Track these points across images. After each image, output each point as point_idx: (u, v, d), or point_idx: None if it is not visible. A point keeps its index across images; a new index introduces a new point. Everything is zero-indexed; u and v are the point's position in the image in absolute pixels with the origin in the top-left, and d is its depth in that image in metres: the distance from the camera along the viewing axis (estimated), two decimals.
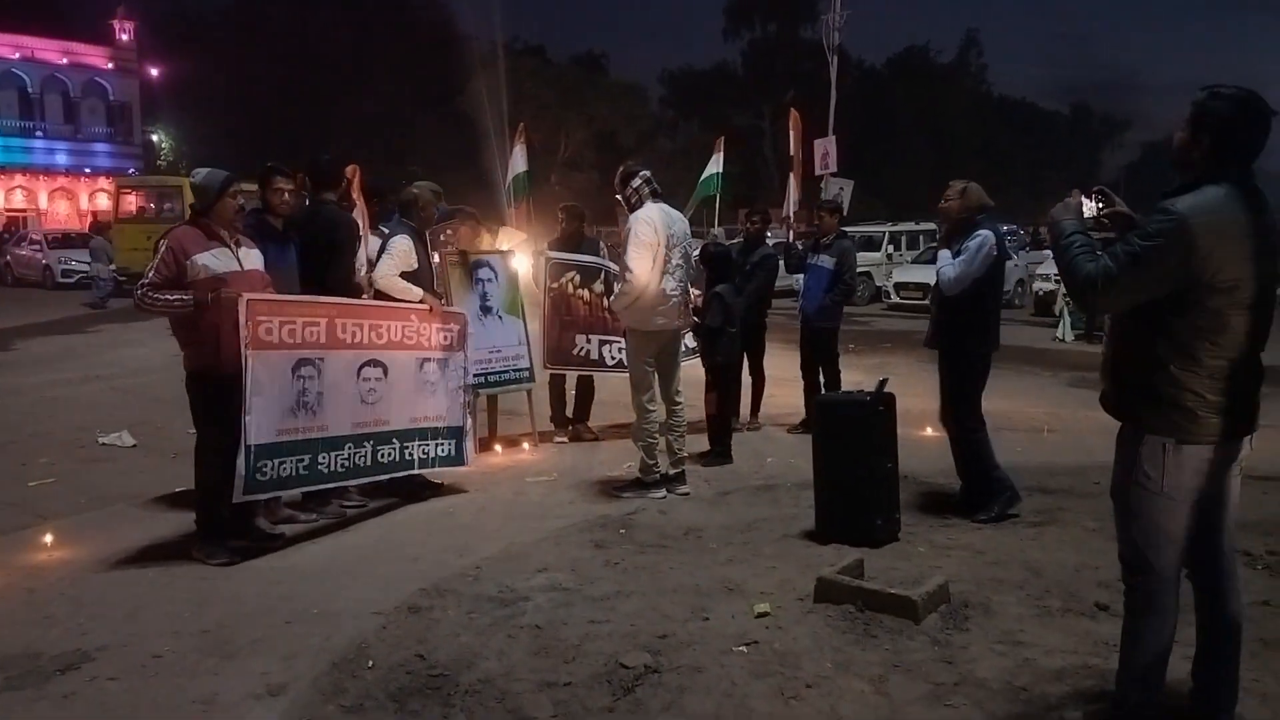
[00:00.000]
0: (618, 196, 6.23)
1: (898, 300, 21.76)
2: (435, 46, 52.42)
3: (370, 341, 5.65)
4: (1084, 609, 4.24)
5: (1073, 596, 4.38)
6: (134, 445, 7.76)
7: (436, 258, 7.19)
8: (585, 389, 8.22)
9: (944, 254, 5.78)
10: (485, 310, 7.59)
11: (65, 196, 45.41)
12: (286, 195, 5.57)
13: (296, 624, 4.21)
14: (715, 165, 10.36)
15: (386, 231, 6.37)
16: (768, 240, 8.94)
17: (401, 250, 6.04)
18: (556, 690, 3.55)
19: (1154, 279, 2.78)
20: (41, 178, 44.54)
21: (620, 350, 7.81)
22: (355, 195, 6.33)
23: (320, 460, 5.37)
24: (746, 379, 8.23)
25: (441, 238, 8.81)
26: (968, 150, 57.78)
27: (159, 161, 47.95)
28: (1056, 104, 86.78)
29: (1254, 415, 2.96)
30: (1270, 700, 3.39)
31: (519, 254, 8.16)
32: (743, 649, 3.85)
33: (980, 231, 5.57)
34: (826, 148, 15.08)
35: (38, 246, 26.97)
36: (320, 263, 5.68)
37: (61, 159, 45.17)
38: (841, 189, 14.23)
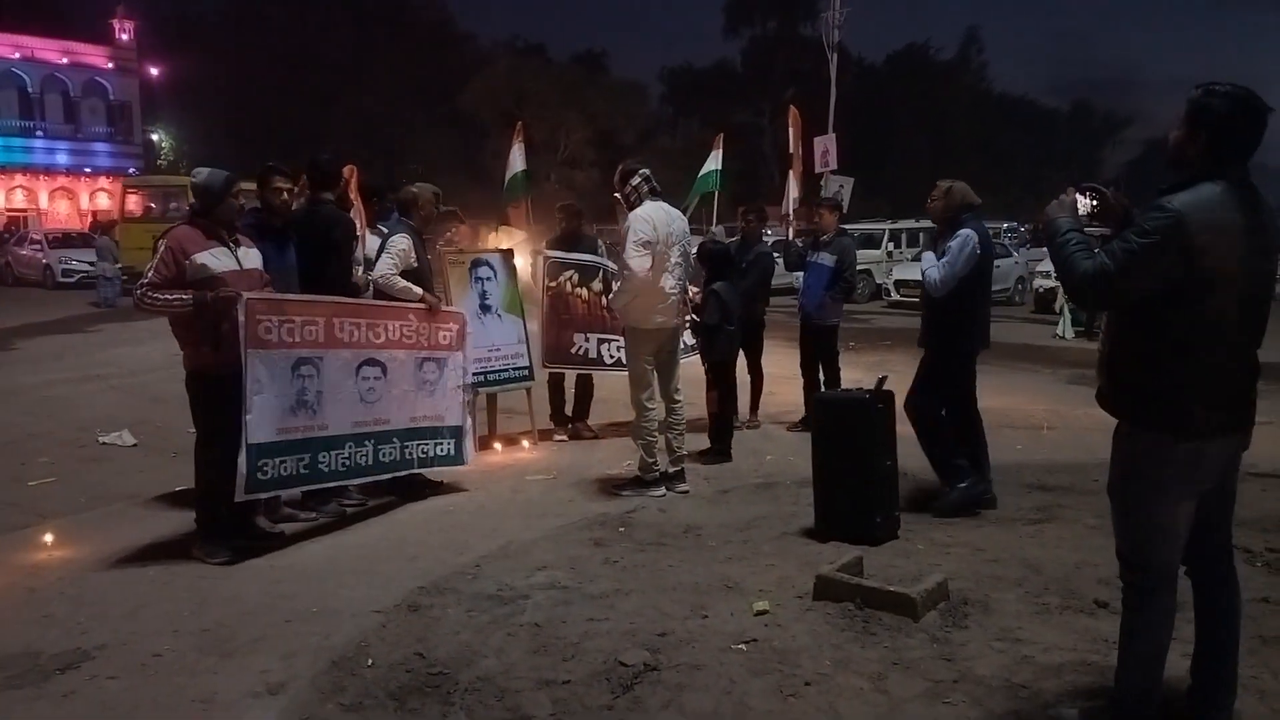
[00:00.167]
0: (617, 195, 6.23)
1: (898, 298, 21.78)
2: (435, 46, 52.46)
3: (368, 341, 5.65)
4: (1083, 606, 4.24)
5: (1072, 594, 4.38)
6: (134, 444, 7.77)
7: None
8: (584, 387, 8.22)
9: (928, 256, 5.83)
10: (484, 309, 7.60)
11: (65, 196, 45.41)
12: (285, 195, 5.57)
13: (296, 622, 4.21)
14: (714, 162, 10.35)
15: (385, 231, 6.37)
16: (766, 237, 8.93)
17: (401, 249, 6.04)
18: (556, 688, 3.55)
19: (1150, 276, 2.78)
20: (42, 177, 44.54)
21: (618, 349, 7.81)
22: (353, 195, 6.34)
23: (321, 459, 5.37)
24: (744, 377, 8.23)
25: (439, 245, 8.79)
26: (968, 148, 57.68)
27: (159, 161, 47.97)
28: (1057, 101, 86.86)
29: (1250, 412, 2.97)
30: (1269, 697, 3.40)
31: (518, 253, 8.17)
32: (742, 647, 3.85)
33: (962, 231, 5.60)
34: (826, 145, 15.09)
35: (38, 246, 26.96)
36: (317, 262, 5.68)
37: (62, 159, 45.17)
38: (841, 186, 14.24)
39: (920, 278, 5.81)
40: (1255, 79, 2.91)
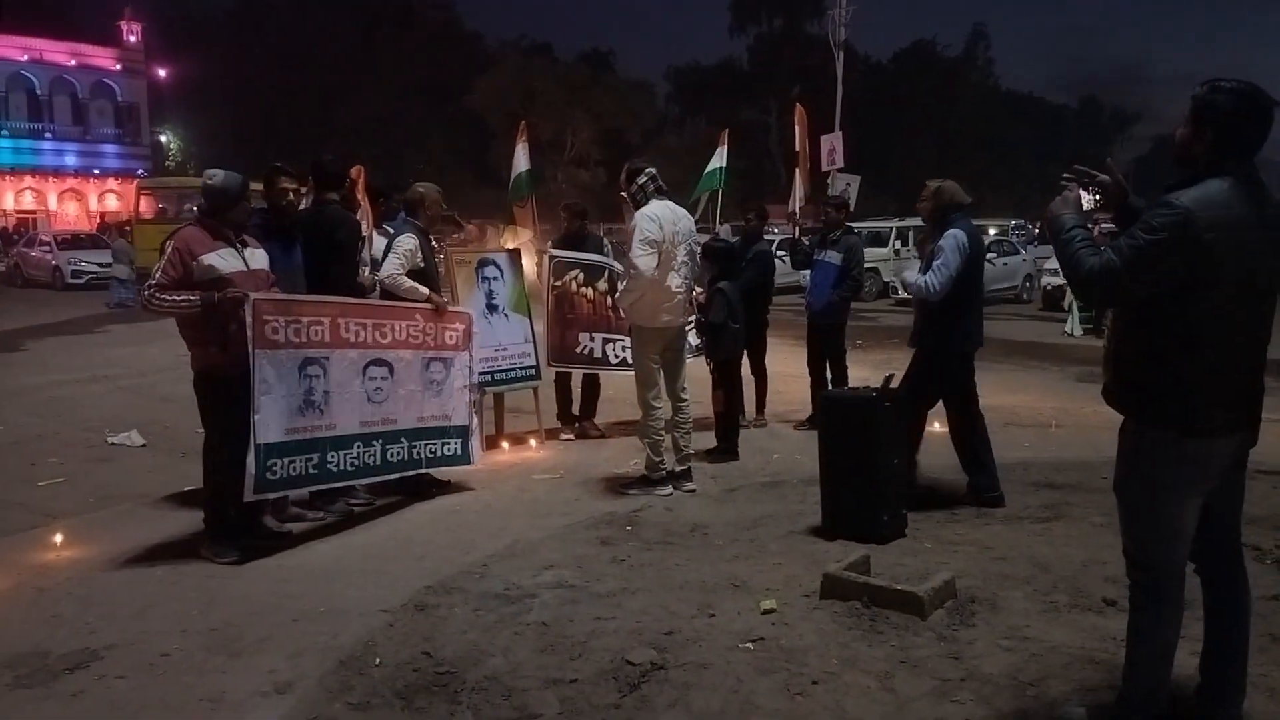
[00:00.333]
0: (623, 193, 6.23)
1: (905, 296, 21.69)
2: (441, 45, 52.52)
3: (374, 341, 5.66)
4: (1091, 604, 4.23)
5: (1079, 592, 4.37)
6: (143, 445, 7.79)
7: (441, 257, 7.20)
8: (591, 386, 8.22)
9: (908, 273, 5.90)
10: (491, 308, 7.60)
11: (74, 198, 45.63)
12: (291, 195, 5.58)
13: (304, 622, 4.22)
14: (719, 159, 10.33)
15: (392, 231, 6.38)
16: (771, 235, 8.92)
17: (407, 249, 6.04)
18: (563, 687, 3.55)
19: (1157, 272, 2.77)
20: (51, 179, 44.78)
21: (623, 349, 7.81)
22: (360, 195, 6.34)
23: (330, 459, 5.38)
24: (748, 377, 8.22)
25: (445, 244, 8.79)
26: (975, 145, 57.58)
27: (167, 162, 48.18)
28: (1065, 98, 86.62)
29: (1258, 408, 2.95)
30: (1278, 695, 3.38)
31: (523, 253, 8.17)
32: (749, 645, 3.85)
33: (949, 232, 5.63)
34: (833, 143, 15.02)
35: (47, 248, 27.09)
36: (322, 262, 5.69)
37: (70, 160, 45.40)
38: (848, 184, 14.18)
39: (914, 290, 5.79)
40: (1263, 75, 2.90)
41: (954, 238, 5.59)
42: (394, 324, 5.80)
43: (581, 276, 7.94)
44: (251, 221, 5.33)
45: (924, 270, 5.77)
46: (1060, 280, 18.45)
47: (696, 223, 6.75)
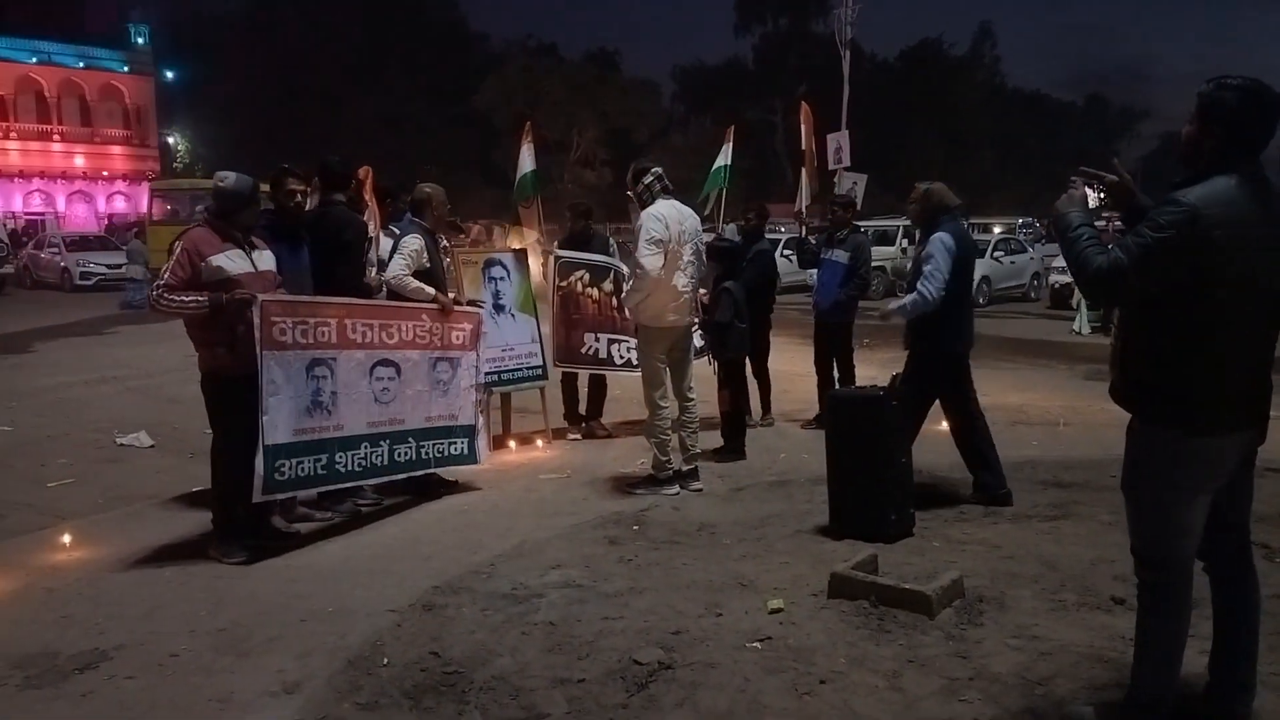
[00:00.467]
0: (630, 193, 6.24)
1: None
2: (448, 46, 52.58)
3: (381, 341, 5.67)
4: (1099, 603, 4.22)
5: (1088, 590, 4.36)
6: (151, 445, 7.81)
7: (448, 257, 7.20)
8: (598, 386, 8.23)
9: (891, 303, 5.92)
10: (498, 308, 7.61)
11: (83, 199, 45.77)
12: (299, 196, 5.59)
13: (312, 622, 4.23)
14: (724, 157, 10.32)
15: (398, 232, 6.38)
16: (777, 234, 8.91)
17: (413, 250, 6.05)
18: (570, 687, 3.55)
19: (1165, 270, 2.76)
20: (59, 181, 44.91)
21: (628, 349, 7.82)
22: (368, 196, 6.35)
23: (338, 460, 5.40)
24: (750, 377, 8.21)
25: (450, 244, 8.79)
26: (982, 143, 57.45)
27: (175, 164, 48.32)
28: (1071, 95, 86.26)
29: (1265, 406, 2.94)
30: None
31: (530, 253, 8.18)
32: (756, 645, 3.85)
33: (934, 237, 5.66)
34: (840, 142, 15.04)
35: (56, 249, 27.17)
36: (328, 263, 5.70)
37: (79, 162, 45.51)
38: (855, 183, 14.18)
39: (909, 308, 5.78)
40: (1270, 72, 2.89)
41: (940, 241, 5.61)
42: (400, 324, 5.81)
43: (587, 277, 7.94)
44: (259, 223, 5.34)
45: (911, 282, 5.79)
46: (1068, 278, 18.40)
47: (703, 221, 6.75)
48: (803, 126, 10.93)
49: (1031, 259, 23.66)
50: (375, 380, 5.63)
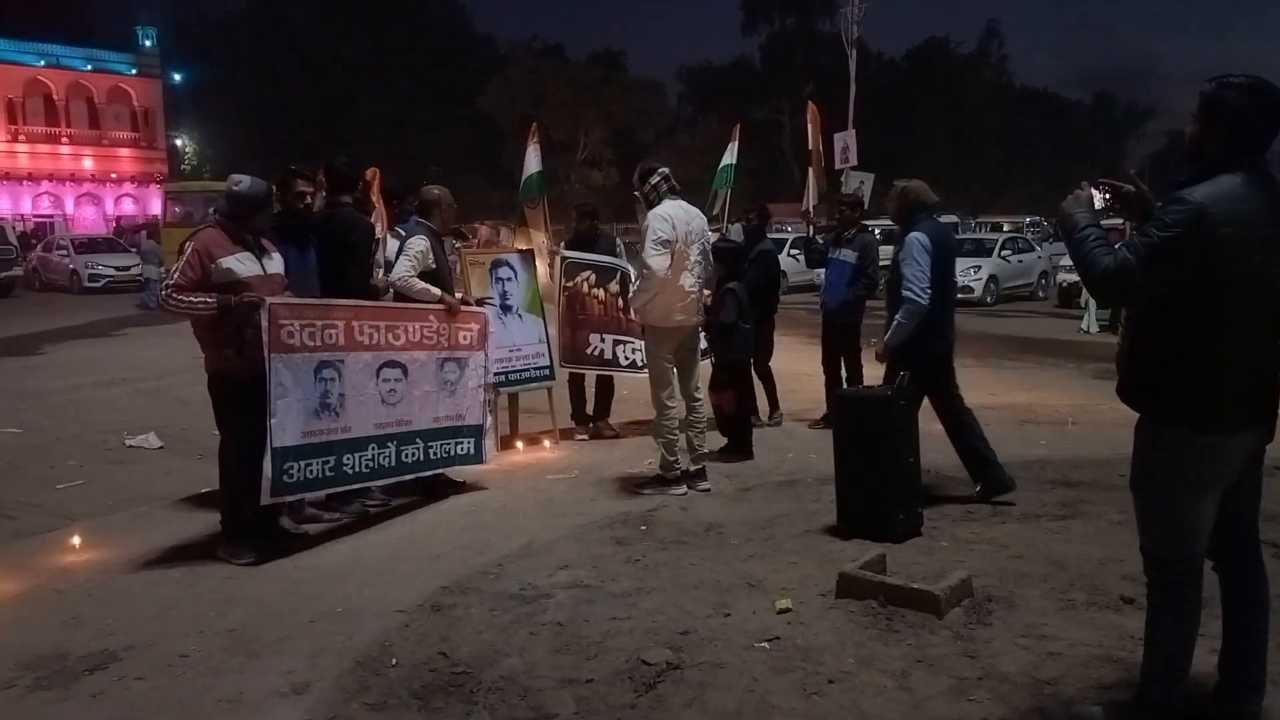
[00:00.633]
0: (636, 193, 6.24)
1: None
2: (453, 48, 52.67)
3: (388, 343, 5.67)
4: (1108, 602, 4.20)
5: (1097, 590, 4.35)
6: (160, 447, 7.84)
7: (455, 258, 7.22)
8: (605, 386, 8.23)
9: (889, 335, 5.85)
10: (505, 309, 7.61)
11: (91, 202, 45.91)
12: (307, 198, 5.60)
13: (320, 623, 4.24)
14: (729, 156, 10.31)
15: (404, 233, 6.39)
16: (785, 234, 8.90)
17: (418, 251, 6.05)
18: (578, 687, 3.55)
19: (1172, 269, 2.75)
20: (67, 183, 45.07)
21: (634, 350, 7.83)
22: (375, 197, 6.35)
23: (345, 461, 5.41)
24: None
25: (458, 246, 8.80)
26: (989, 141, 57.35)
27: (183, 166, 48.47)
28: (1079, 94, 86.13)
29: (1273, 405, 2.93)
30: None
31: (536, 254, 8.19)
32: (764, 645, 3.84)
33: (908, 236, 5.66)
34: (846, 141, 15.04)
35: (65, 251, 27.27)
36: (335, 264, 5.71)
37: (87, 164, 45.67)
38: (862, 183, 14.17)
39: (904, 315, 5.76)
40: (1277, 70, 2.88)
41: (916, 240, 5.61)
42: (407, 325, 5.82)
43: (593, 278, 7.95)
44: (268, 225, 5.36)
45: (889, 284, 5.80)
46: (1075, 277, 18.34)
47: (711, 221, 6.75)
48: (809, 126, 10.93)
49: (1039, 257, 23.60)
50: (382, 382, 5.64)
